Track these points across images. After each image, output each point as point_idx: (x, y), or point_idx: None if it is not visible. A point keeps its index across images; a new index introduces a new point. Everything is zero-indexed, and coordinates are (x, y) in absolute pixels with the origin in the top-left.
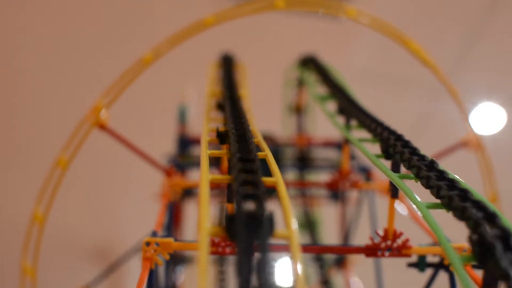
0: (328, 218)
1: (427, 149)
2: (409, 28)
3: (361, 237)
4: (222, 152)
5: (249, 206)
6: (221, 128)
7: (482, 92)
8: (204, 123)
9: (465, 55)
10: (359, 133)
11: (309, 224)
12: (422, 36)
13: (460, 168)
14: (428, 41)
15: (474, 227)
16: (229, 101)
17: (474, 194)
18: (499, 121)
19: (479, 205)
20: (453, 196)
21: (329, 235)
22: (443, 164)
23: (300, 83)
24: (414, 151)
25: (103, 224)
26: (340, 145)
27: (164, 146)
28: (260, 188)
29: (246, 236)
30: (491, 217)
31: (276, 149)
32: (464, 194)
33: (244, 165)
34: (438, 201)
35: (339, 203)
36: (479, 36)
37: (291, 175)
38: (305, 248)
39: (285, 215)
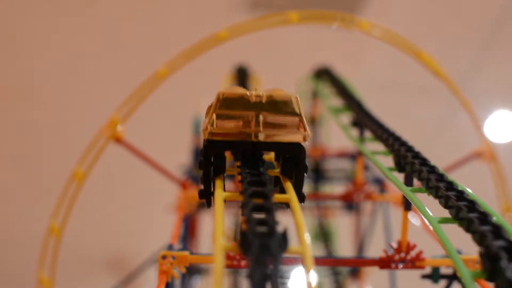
0: (343, 228)
1: (442, 157)
2: (423, 35)
3: (376, 248)
4: (235, 169)
5: (261, 226)
6: None
7: (497, 99)
8: None
9: (480, 62)
10: (373, 145)
11: (323, 235)
12: (437, 43)
13: (475, 177)
14: (443, 48)
15: (480, 238)
16: None
17: (482, 206)
18: None
19: (486, 217)
20: (461, 207)
21: (344, 246)
22: (457, 174)
23: (314, 95)
24: (426, 163)
25: (119, 236)
26: (354, 156)
27: (180, 158)
28: (271, 212)
29: (258, 257)
30: (497, 229)
31: None
32: (472, 205)
33: (255, 188)
34: (450, 216)
35: (354, 214)
36: (494, 43)
37: (306, 186)
38: (319, 261)
39: (299, 231)
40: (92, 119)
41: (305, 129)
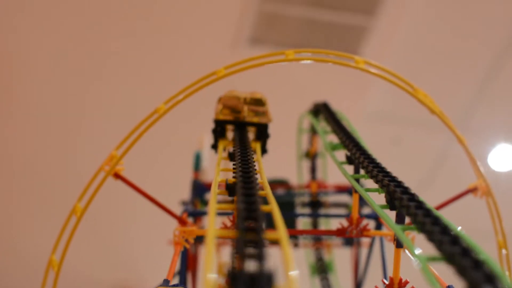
0: (343, 260)
1: (445, 187)
2: (426, 70)
3: (375, 283)
4: (230, 206)
5: (251, 266)
6: (230, 180)
7: (499, 133)
8: (215, 174)
9: (483, 97)
10: (369, 183)
11: (322, 269)
12: (440, 78)
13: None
14: (446, 83)
15: (461, 271)
16: (239, 152)
17: (466, 240)
18: None
19: (468, 251)
20: (443, 241)
21: (345, 280)
22: (458, 205)
23: (313, 130)
24: (414, 199)
25: (121, 268)
26: (351, 191)
27: (181, 192)
28: (262, 251)
29: None
30: (478, 262)
31: (290, 194)
32: (455, 240)
33: (248, 228)
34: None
35: (353, 247)
36: (496, 78)
37: (304, 221)
38: None
39: (286, 270)
40: (93, 155)
41: (269, 115)
